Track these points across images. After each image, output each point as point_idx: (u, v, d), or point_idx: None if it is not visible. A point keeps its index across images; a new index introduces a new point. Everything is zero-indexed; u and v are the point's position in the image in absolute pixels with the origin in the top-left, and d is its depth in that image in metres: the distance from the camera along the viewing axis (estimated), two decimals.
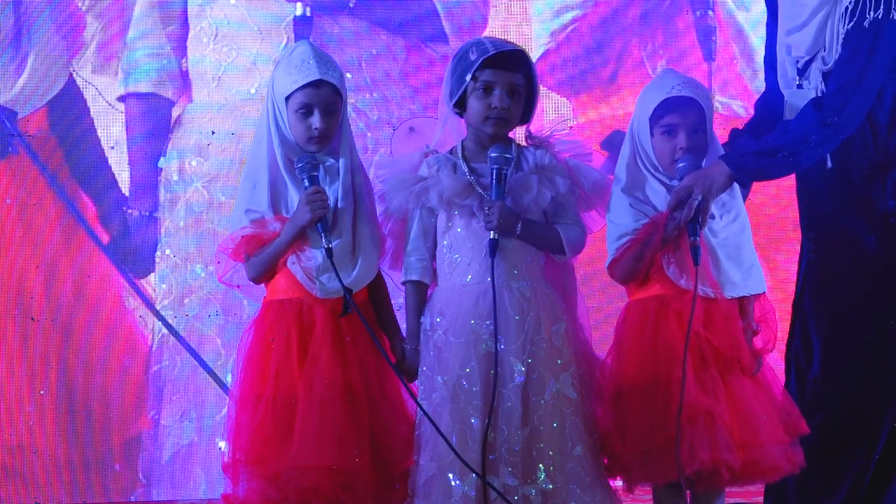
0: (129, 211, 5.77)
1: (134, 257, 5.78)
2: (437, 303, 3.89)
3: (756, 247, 3.96)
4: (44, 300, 5.73)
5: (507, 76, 3.84)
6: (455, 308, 3.84)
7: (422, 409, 3.76)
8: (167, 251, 5.79)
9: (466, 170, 3.90)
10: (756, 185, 4.05)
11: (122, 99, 5.78)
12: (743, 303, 3.90)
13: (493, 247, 3.79)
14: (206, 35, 5.82)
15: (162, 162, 5.79)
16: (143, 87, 5.78)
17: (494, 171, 3.81)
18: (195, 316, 5.78)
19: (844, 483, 4.10)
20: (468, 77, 3.85)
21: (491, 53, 3.84)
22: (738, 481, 3.80)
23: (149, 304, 5.77)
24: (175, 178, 5.79)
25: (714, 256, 3.85)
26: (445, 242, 3.90)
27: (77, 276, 5.75)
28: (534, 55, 5.84)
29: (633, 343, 3.86)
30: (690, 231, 3.79)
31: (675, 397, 3.71)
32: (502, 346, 3.77)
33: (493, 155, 3.82)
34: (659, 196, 3.88)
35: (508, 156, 3.84)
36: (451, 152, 3.95)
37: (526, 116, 3.94)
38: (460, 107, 3.91)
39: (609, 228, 3.92)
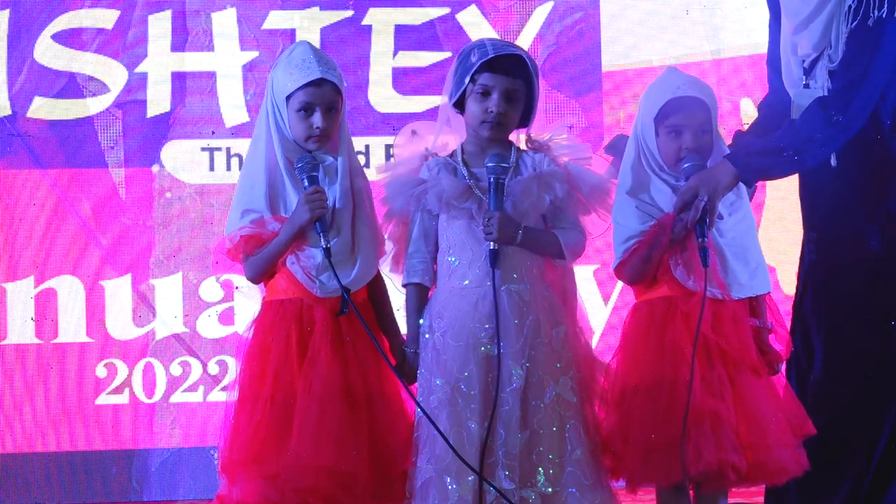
0: (125, 220, 5.76)
1: (130, 262, 5.77)
2: (436, 305, 3.88)
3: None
4: (43, 301, 5.72)
5: (505, 81, 3.84)
6: (454, 311, 3.83)
7: (422, 409, 3.75)
8: (160, 256, 5.78)
9: (466, 174, 3.90)
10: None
11: (119, 105, 5.76)
12: (753, 303, 3.90)
13: (494, 257, 3.78)
14: (203, 40, 5.81)
15: (156, 168, 5.78)
16: (140, 95, 5.77)
17: (492, 181, 3.81)
18: (189, 321, 5.77)
19: (845, 483, 4.09)
20: (467, 79, 3.85)
21: (490, 56, 3.83)
22: (745, 483, 3.80)
23: (149, 306, 5.76)
24: (169, 183, 5.79)
25: (721, 257, 3.84)
26: (445, 245, 3.89)
27: (76, 278, 5.74)
28: (538, 55, 5.84)
29: (639, 344, 3.85)
30: (698, 232, 3.78)
31: (680, 398, 3.71)
32: (501, 350, 3.76)
33: (490, 165, 3.82)
34: (664, 197, 3.88)
35: (505, 165, 3.84)
36: (450, 156, 3.95)
37: (526, 120, 3.93)
38: (460, 107, 3.91)
39: (615, 230, 3.92)
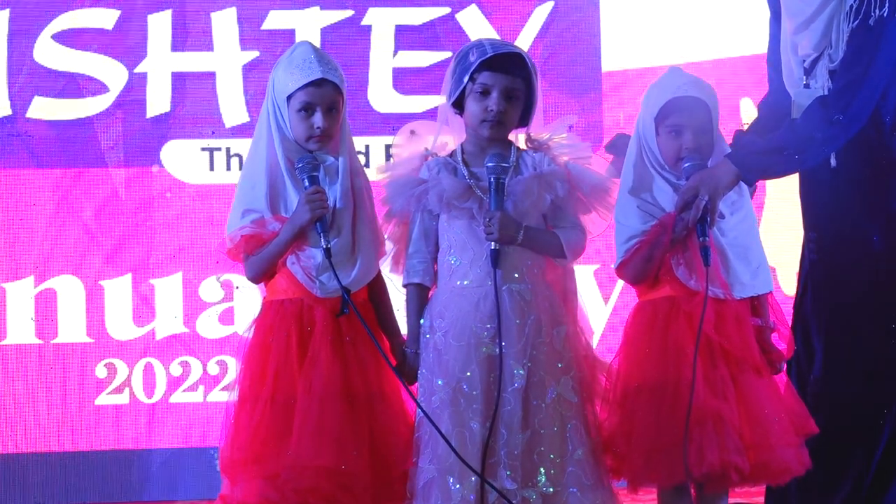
0: (125, 220, 5.76)
1: (130, 262, 5.77)
2: (437, 305, 3.88)
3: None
4: (43, 301, 5.72)
5: (504, 79, 3.83)
6: (455, 311, 3.83)
7: (423, 410, 3.75)
8: (160, 256, 5.78)
9: (466, 173, 3.89)
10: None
11: (119, 105, 5.76)
12: (755, 302, 3.90)
13: (495, 257, 3.78)
14: (203, 40, 5.81)
15: (156, 168, 5.78)
16: (140, 95, 5.77)
17: (492, 181, 3.80)
18: (189, 321, 5.78)
19: (845, 483, 4.09)
20: (466, 78, 3.84)
21: (489, 55, 3.83)
22: (747, 483, 3.79)
23: (149, 306, 5.76)
24: (169, 183, 5.79)
25: (723, 256, 3.84)
26: (445, 245, 3.89)
27: (76, 278, 5.75)
28: (539, 55, 5.84)
29: (642, 344, 3.85)
30: (699, 231, 3.78)
31: (683, 399, 3.71)
32: (503, 350, 3.76)
33: (490, 165, 3.81)
34: (666, 196, 3.87)
35: (505, 164, 3.83)
36: (450, 156, 3.95)
37: (525, 119, 3.93)
38: (459, 107, 3.91)
39: (617, 230, 3.91)
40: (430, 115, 4.09)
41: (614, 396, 3.85)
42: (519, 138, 3.98)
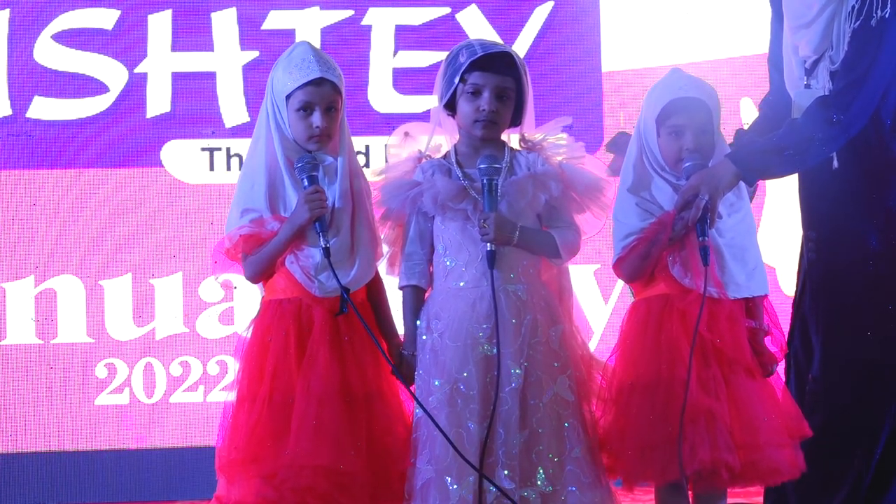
0: (125, 220, 5.76)
1: (130, 262, 5.77)
2: (433, 306, 3.88)
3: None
4: (43, 301, 5.72)
5: (495, 79, 3.84)
6: (451, 311, 3.83)
7: (423, 408, 3.74)
8: (160, 256, 5.78)
9: (460, 175, 3.90)
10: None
11: (119, 105, 5.77)
12: (749, 304, 3.90)
13: (491, 258, 3.78)
14: (203, 40, 5.81)
15: (156, 168, 5.78)
16: (140, 95, 5.77)
17: (485, 182, 3.81)
18: (189, 321, 5.78)
19: (844, 484, 4.09)
20: (457, 79, 3.85)
21: (479, 55, 3.83)
22: (738, 482, 3.79)
23: (149, 306, 5.76)
24: (169, 183, 5.79)
25: (720, 256, 3.84)
26: (441, 247, 3.89)
27: (76, 278, 5.75)
28: (538, 55, 5.84)
29: (636, 341, 3.85)
30: (699, 231, 3.77)
31: (677, 396, 3.71)
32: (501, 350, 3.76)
33: (483, 167, 3.81)
34: (665, 195, 3.87)
35: (497, 165, 3.83)
36: (444, 157, 3.95)
37: (517, 119, 3.93)
38: (452, 109, 3.91)
39: (615, 227, 3.92)
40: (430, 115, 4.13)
41: (609, 394, 3.85)
42: (512, 139, 3.98)
